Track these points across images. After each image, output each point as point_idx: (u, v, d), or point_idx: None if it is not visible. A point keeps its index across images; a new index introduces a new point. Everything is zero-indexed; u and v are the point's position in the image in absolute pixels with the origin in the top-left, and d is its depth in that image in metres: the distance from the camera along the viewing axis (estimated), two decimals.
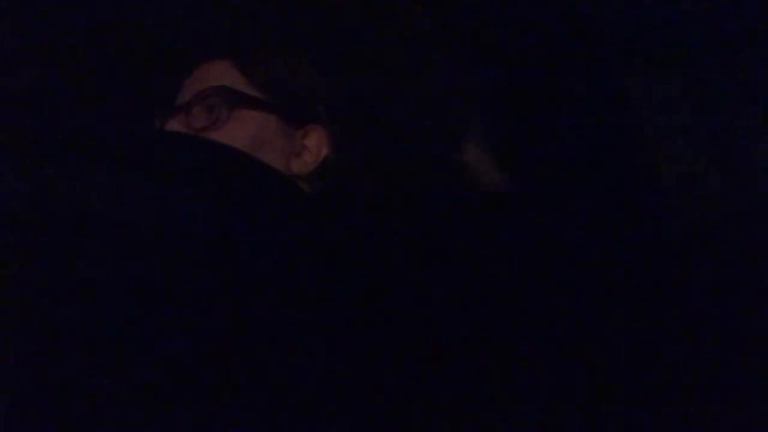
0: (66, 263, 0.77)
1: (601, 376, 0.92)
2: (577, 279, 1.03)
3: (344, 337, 0.80)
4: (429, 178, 1.10)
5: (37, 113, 1.07)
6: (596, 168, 1.07)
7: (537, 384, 0.89)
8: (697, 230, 1.15)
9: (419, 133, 1.11)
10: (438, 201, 1.06)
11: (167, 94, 1.10)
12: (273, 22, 1.15)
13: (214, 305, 0.77)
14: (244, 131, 1.05)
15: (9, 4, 1.09)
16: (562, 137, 1.05)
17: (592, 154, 1.04)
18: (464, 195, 1.09)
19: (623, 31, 1.13)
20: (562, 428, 0.88)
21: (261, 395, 0.76)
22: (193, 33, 1.14)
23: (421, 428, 0.81)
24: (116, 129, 1.02)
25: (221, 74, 1.08)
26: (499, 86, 1.07)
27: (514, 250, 0.95)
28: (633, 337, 0.96)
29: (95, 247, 0.78)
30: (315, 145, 1.07)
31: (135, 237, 0.79)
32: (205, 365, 0.75)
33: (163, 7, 1.14)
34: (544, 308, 0.92)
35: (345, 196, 1.04)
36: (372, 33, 1.14)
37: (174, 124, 1.06)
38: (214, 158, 0.93)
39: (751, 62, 1.14)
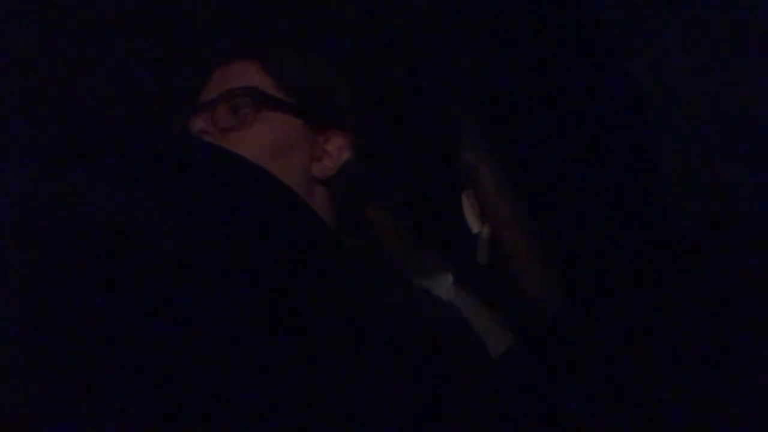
0: (65, 265, 0.77)
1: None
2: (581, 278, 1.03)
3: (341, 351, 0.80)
4: (437, 179, 1.11)
5: (45, 113, 1.07)
6: (598, 168, 1.07)
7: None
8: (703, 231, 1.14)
9: (429, 137, 1.11)
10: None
11: (190, 92, 1.09)
12: (301, 25, 1.14)
13: (207, 313, 0.77)
14: (269, 133, 1.04)
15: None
16: (564, 138, 1.06)
17: (595, 156, 1.04)
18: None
19: (628, 26, 1.12)
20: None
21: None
22: (221, 31, 1.14)
23: None
24: (128, 132, 1.02)
25: (248, 75, 1.07)
26: (501, 88, 1.08)
27: None
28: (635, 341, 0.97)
29: (92, 250, 0.78)
30: (336, 150, 1.07)
31: (131, 243, 0.79)
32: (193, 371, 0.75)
33: (192, 4, 1.14)
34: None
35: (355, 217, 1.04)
36: (391, 41, 1.14)
37: (198, 122, 1.05)
38: (223, 168, 0.91)
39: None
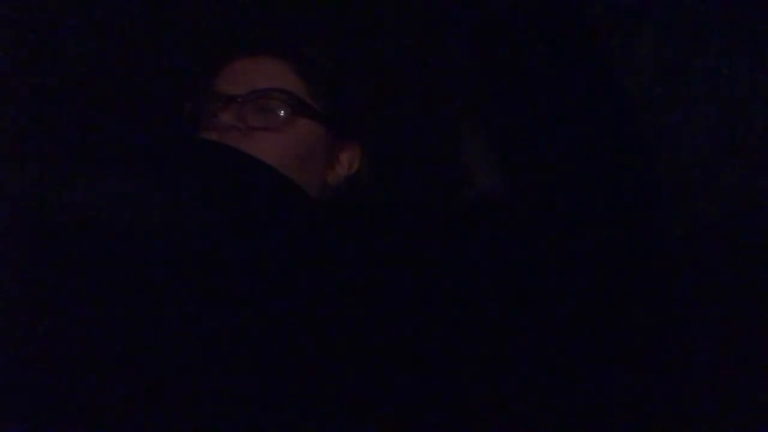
0: (67, 266, 0.78)
1: (596, 377, 0.92)
2: (571, 279, 1.02)
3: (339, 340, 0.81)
4: (436, 183, 1.12)
5: (50, 111, 1.07)
6: (593, 165, 1.06)
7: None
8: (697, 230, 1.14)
9: (429, 145, 1.12)
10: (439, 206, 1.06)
11: (200, 79, 1.08)
12: (333, 31, 1.15)
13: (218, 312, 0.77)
14: (298, 139, 1.04)
15: None
16: (560, 135, 1.05)
17: (590, 152, 1.04)
18: (462, 196, 1.10)
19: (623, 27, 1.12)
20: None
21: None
22: (241, 21, 1.14)
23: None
24: (137, 130, 1.02)
25: (281, 75, 1.06)
26: (498, 85, 1.08)
27: (508, 250, 0.95)
28: (628, 339, 0.96)
29: (96, 250, 0.78)
30: (348, 160, 1.09)
31: (139, 242, 0.79)
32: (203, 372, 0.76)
33: None
34: (537, 308, 0.93)
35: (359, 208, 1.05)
36: (401, 52, 1.15)
37: (225, 115, 1.04)
38: (236, 169, 0.91)
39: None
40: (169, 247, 0.78)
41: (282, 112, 1.03)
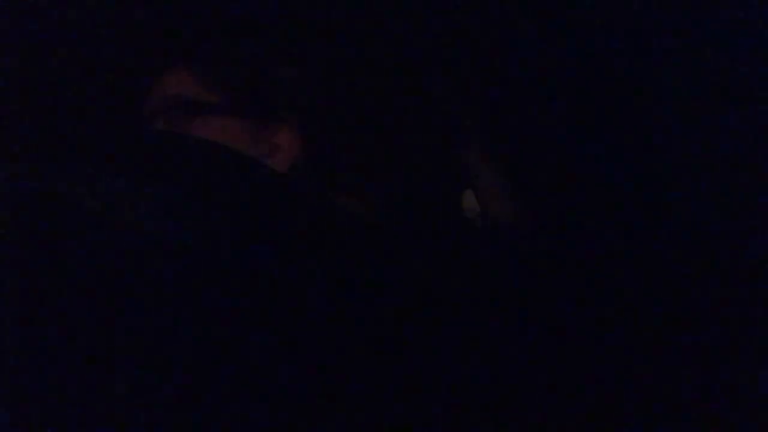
0: (56, 262, 0.77)
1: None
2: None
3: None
4: (431, 177, 1.10)
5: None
6: (601, 167, 1.06)
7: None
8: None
9: (411, 130, 1.08)
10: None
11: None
12: (226, 19, 1.10)
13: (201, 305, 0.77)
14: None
15: None
16: (565, 139, 1.05)
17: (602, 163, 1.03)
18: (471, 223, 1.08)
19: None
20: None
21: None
22: (141, 45, 1.10)
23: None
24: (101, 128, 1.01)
25: (177, 83, 1.03)
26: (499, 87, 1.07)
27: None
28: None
29: (83, 245, 0.78)
30: (287, 144, 1.01)
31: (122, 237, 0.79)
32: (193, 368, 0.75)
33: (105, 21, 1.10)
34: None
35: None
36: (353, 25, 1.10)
37: None
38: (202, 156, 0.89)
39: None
40: (166, 249, 0.77)
41: (178, 119, 1.00)
